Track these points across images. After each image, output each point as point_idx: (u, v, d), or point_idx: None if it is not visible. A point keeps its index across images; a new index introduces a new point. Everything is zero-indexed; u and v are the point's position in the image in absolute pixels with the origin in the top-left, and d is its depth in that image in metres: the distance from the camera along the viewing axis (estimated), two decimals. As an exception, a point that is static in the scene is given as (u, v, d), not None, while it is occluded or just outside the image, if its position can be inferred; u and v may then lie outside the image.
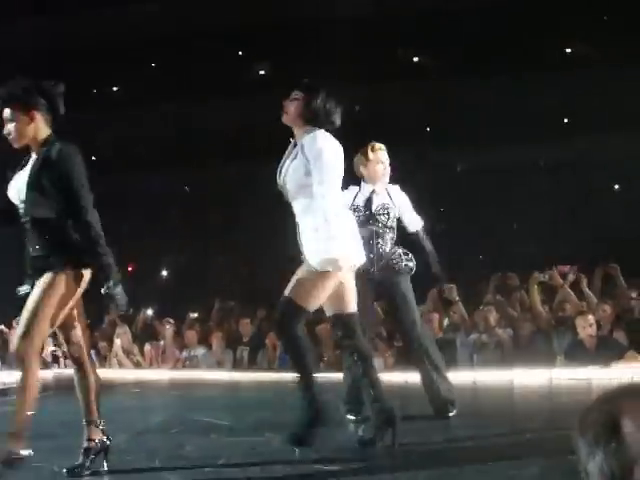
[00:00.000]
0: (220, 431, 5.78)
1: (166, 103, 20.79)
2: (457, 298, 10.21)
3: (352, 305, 4.80)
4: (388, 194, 6.13)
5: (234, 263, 17.91)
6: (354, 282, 4.83)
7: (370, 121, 19.43)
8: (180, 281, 17.20)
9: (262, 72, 23.77)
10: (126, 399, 8.78)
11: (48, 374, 11.21)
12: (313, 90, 4.84)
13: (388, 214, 6.06)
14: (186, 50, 21.32)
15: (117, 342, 11.56)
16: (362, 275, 5.43)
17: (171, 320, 11.88)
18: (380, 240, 6.01)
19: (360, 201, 6.04)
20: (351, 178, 5.92)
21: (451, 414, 5.93)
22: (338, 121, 4.86)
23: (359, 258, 4.84)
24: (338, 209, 4.70)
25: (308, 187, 4.67)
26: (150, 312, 13.57)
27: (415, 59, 22.13)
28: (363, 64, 19.61)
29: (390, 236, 6.09)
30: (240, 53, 23.44)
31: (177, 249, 18.59)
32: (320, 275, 4.61)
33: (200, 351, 11.06)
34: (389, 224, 6.07)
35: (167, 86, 21.21)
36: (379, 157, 6.07)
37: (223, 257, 17.95)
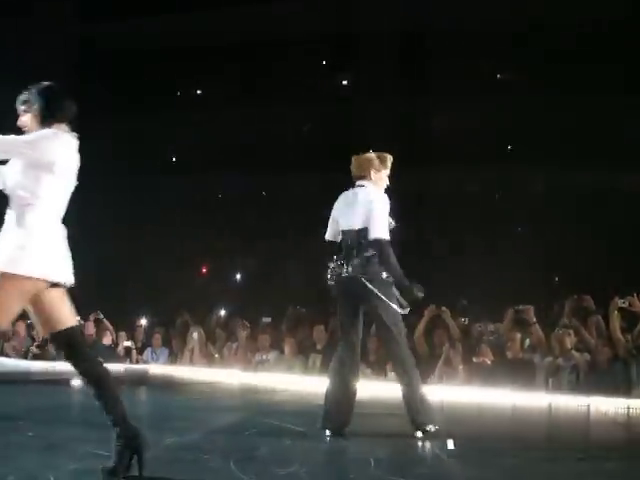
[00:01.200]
0: (293, 436, 5.79)
1: (247, 106, 21.02)
2: (534, 320, 10.06)
3: (68, 321, 4.15)
4: None
5: (308, 269, 17.98)
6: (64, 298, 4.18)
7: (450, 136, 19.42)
8: (254, 284, 17.30)
9: (344, 82, 23.89)
10: (198, 398, 8.87)
11: (119, 368, 11.42)
12: None
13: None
14: (268, 55, 21.53)
15: (194, 336, 11.72)
16: None
17: (247, 322, 11.98)
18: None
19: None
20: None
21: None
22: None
23: (60, 276, 4.07)
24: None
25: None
26: (223, 313, 13.71)
27: (498, 75, 21.99)
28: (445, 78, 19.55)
29: None
30: (324, 62, 23.59)
31: (252, 252, 18.72)
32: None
33: (272, 355, 11.12)
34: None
35: (248, 89, 21.46)
36: (389, 169, 6.20)
37: (297, 262, 17.99)
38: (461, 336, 10.64)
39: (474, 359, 9.63)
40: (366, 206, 5.93)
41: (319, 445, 5.45)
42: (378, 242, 5.83)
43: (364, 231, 5.89)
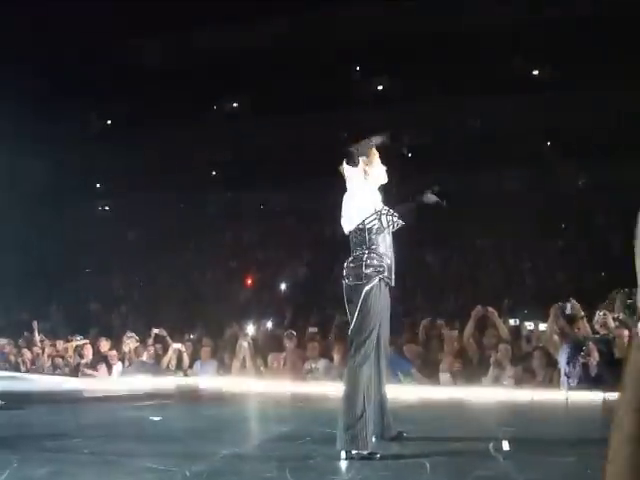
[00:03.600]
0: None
1: (282, 118, 21.14)
2: (582, 314, 9.90)
3: None
4: None
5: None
6: None
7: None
8: (300, 294, 17.33)
9: (380, 87, 23.89)
10: (249, 408, 8.89)
11: (170, 383, 11.51)
12: None
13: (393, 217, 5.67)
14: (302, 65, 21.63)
15: (244, 346, 11.77)
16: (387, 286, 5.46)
17: (294, 332, 11.99)
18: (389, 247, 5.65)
19: (378, 200, 5.69)
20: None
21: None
22: None
23: None
24: None
25: None
26: (270, 324, 13.75)
27: (535, 72, 21.88)
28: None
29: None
30: (357, 68, 23.65)
31: (298, 262, 18.77)
32: None
33: (321, 364, 11.10)
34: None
35: (286, 102, 21.57)
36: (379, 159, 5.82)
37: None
38: (511, 337, 10.57)
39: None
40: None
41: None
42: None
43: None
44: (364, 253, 5.45)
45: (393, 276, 5.57)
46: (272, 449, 5.66)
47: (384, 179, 5.76)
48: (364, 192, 5.59)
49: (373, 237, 5.50)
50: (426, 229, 16.13)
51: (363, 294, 5.32)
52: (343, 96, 21.39)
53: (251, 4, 20.14)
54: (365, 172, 5.65)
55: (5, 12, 19.71)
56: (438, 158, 19.92)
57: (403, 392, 8.74)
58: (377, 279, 5.38)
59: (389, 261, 5.52)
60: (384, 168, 5.79)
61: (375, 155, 5.75)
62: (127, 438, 6.33)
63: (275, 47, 21.30)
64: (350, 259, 5.51)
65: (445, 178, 19.70)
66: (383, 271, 5.43)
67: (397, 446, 5.47)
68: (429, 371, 10.42)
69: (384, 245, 5.53)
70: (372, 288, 5.35)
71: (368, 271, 5.38)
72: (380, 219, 5.53)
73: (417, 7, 20.27)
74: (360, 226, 5.52)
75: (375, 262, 5.43)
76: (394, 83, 22.96)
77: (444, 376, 10.22)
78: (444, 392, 9.52)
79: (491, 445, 5.41)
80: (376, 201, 5.63)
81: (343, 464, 4.95)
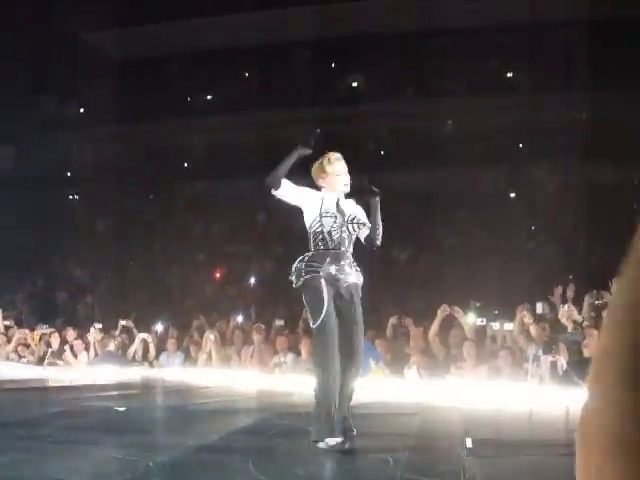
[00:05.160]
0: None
1: (256, 111, 21.14)
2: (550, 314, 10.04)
3: None
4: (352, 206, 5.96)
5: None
6: None
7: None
8: (267, 288, 17.32)
9: (354, 84, 23.95)
10: (215, 402, 8.89)
11: (135, 374, 11.47)
12: None
13: (357, 225, 5.86)
14: (279, 59, 21.64)
15: (211, 339, 11.81)
16: (330, 282, 5.55)
17: (262, 325, 12.02)
18: (350, 249, 5.85)
19: (330, 206, 5.83)
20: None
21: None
22: None
23: None
24: None
25: None
26: (238, 318, 13.75)
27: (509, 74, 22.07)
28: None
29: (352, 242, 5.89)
30: (333, 65, 23.68)
31: (266, 256, 18.76)
32: None
33: (289, 358, 11.15)
34: (354, 235, 5.88)
35: (255, 95, 21.57)
36: (336, 169, 5.88)
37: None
38: (476, 336, 10.69)
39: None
40: None
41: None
42: None
43: None
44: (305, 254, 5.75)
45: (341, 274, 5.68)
46: (236, 441, 5.70)
47: (340, 187, 5.86)
48: (313, 198, 5.84)
49: (313, 239, 5.79)
50: (395, 226, 16.19)
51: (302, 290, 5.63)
52: (316, 92, 21.42)
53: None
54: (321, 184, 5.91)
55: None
56: (407, 156, 20.01)
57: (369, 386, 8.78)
58: (312, 275, 5.58)
59: (329, 259, 5.68)
60: (339, 176, 5.87)
61: (320, 173, 5.90)
62: (92, 428, 6.33)
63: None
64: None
65: (417, 176, 19.98)
66: (318, 269, 5.62)
67: (360, 441, 5.50)
68: (396, 367, 10.52)
69: (324, 244, 5.74)
70: (307, 283, 5.58)
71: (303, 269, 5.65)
72: (321, 222, 5.78)
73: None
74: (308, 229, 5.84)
75: (315, 262, 5.66)
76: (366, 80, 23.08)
77: (410, 372, 10.31)
78: (410, 388, 9.61)
79: (454, 443, 5.47)
80: (327, 206, 5.81)
81: (307, 457, 4.98)
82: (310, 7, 20.89)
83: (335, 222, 5.78)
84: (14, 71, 21.34)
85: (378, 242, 5.83)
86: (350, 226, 5.82)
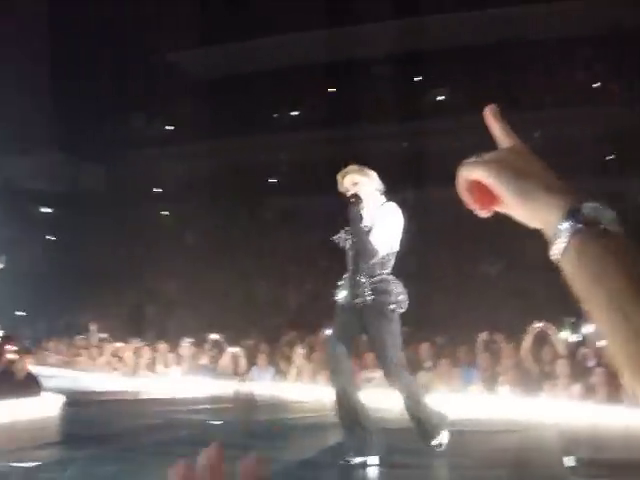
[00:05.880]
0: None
1: (340, 127, 21.20)
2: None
3: None
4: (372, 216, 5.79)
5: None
6: None
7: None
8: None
9: (440, 97, 23.83)
10: (306, 416, 8.90)
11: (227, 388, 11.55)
12: None
13: (348, 236, 5.79)
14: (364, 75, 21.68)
15: (300, 352, 11.85)
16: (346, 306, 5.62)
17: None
18: (361, 266, 5.70)
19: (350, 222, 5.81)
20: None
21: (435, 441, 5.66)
22: None
23: None
24: None
25: None
26: (327, 332, 13.74)
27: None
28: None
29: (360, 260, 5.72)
30: (416, 79, 23.61)
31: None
32: None
33: (379, 373, 11.08)
34: (353, 246, 5.76)
35: (343, 110, 21.64)
36: (345, 185, 5.85)
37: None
38: (569, 353, 10.49)
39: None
40: None
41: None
42: None
43: None
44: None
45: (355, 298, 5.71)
46: (335, 457, 5.67)
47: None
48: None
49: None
50: (484, 240, 16.05)
51: None
52: (401, 106, 21.36)
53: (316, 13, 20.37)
54: None
55: (71, 15, 20.24)
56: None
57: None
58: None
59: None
60: (347, 193, 5.87)
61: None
62: (187, 441, 6.39)
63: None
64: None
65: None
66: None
67: (458, 458, 5.43)
68: (488, 383, 10.38)
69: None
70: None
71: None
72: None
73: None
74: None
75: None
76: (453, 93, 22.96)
77: (503, 389, 10.16)
78: (502, 405, 9.48)
79: (555, 461, 5.36)
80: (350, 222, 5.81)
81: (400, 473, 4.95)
82: (392, 22, 20.93)
83: (347, 239, 5.81)
84: (103, 92, 21.91)
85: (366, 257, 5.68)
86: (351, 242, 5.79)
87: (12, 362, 9.61)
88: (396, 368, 5.63)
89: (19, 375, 9.39)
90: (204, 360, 12.68)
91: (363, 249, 5.62)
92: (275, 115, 24.84)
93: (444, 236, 16.62)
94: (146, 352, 13.28)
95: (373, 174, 5.88)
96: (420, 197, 19.74)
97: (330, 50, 21.58)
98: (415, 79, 23.61)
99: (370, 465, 5.33)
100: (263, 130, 22.95)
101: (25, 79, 20.13)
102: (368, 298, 5.60)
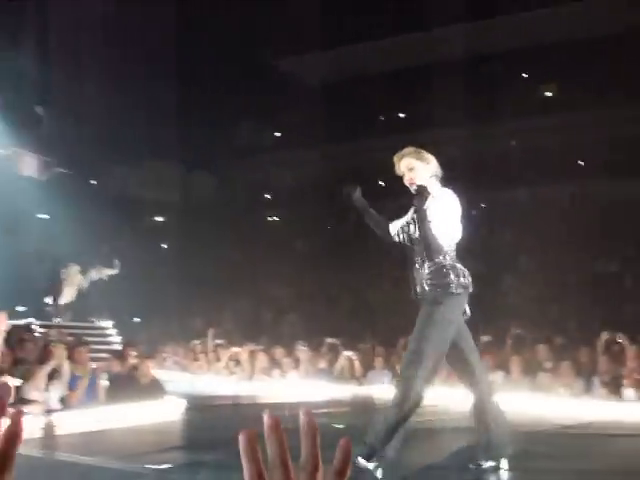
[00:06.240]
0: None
1: (449, 128, 21.00)
2: None
3: None
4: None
5: (521, 286, 17.65)
6: None
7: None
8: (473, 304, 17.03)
9: (548, 93, 23.39)
10: (431, 420, 8.79)
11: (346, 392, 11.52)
12: None
13: (408, 227, 5.47)
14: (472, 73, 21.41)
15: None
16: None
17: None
18: (421, 259, 5.33)
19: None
20: None
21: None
22: None
23: None
24: None
25: None
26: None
27: None
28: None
29: (422, 253, 5.33)
30: (525, 75, 23.21)
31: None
32: None
33: (498, 376, 10.88)
34: (413, 239, 5.41)
35: (451, 111, 21.41)
36: (400, 169, 5.47)
37: (513, 280, 17.59)
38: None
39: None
40: None
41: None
42: None
43: None
44: None
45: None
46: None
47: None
48: None
49: None
50: (602, 238, 15.69)
51: None
52: (511, 103, 21.04)
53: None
54: None
55: (183, 29, 20.67)
56: (613, 166, 19.27)
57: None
58: None
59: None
60: (403, 177, 5.53)
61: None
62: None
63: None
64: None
65: (623, 185, 19.08)
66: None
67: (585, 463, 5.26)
68: (612, 386, 10.06)
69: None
70: None
71: None
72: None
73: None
74: None
75: None
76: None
77: (628, 391, 9.83)
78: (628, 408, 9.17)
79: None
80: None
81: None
82: (502, 18, 20.65)
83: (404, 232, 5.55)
84: (213, 101, 22.27)
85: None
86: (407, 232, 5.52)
87: (135, 367, 9.83)
88: (411, 366, 5.16)
89: (143, 379, 9.59)
90: (322, 364, 12.71)
91: (429, 243, 5.27)
92: (384, 118, 24.80)
93: (562, 234, 16.26)
94: (262, 356, 13.39)
95: (431, 158, 5.50)
96: (535, 195, 19.42)
97: (435, 50, 21.45)
98: (523, 75, 23.26)
99: (501, 469, 5.20)
100: (372, 134, 22.94)
101: (138, 92, 20.63)
102: (426, 287, 5.23)
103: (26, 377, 8.73)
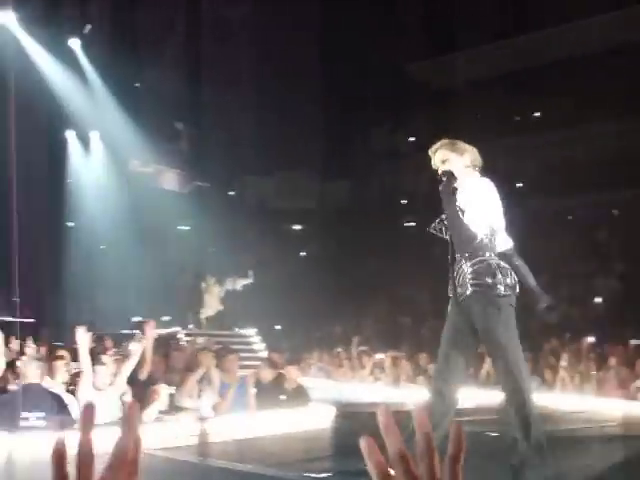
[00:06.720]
0: None
1: (581, 127, 20.47)
2: None
3: None
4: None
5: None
6: None
7: None
8: (614, 306, 16.53)
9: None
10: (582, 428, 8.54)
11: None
12: None
13: (442, 223, 5.12)
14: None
15: (562, 364, 11.44)
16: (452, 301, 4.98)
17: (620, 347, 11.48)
18: (460, 253, 4.99)
19: None
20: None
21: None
22: None
23: None
24: None
25: None
26: (591, 338, 13.22)
27: None
28: None
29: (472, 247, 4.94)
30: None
31: (611, 274, 17.98)
32: None
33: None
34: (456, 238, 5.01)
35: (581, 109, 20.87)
36: (435, 163, 5.18)
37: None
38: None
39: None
40: None
41: None
42: None
43: None
44: None
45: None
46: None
47: None
48: None
49: None
50: None
51: None
52: None
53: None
54: None
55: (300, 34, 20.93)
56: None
57: None
58: None
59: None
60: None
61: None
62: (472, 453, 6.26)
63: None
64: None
65: None
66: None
67: None
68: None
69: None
70: None
71: None
72: None
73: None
74: None
75: None
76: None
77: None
78: None
79: None
80: None
81: None
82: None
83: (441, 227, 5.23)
84: (348, 107, 22.42)
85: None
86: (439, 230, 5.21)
87: (282, 374, 9.93)
88: (518, 376, 4.86)
89: (289, 386, 9.69)
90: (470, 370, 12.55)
91: (459, 233, 4.97)
92: (517, 118, 24.38)
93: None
94: (405, 363, 13.32)
95: (467, 148, 5.20)
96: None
97: (559, 49, 21.09)
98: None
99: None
100: (504, 134, 22.60)
101: (272, 101, 20.98)
102: (470, 287, 4.91)
103: (178, 385, 8.98)
